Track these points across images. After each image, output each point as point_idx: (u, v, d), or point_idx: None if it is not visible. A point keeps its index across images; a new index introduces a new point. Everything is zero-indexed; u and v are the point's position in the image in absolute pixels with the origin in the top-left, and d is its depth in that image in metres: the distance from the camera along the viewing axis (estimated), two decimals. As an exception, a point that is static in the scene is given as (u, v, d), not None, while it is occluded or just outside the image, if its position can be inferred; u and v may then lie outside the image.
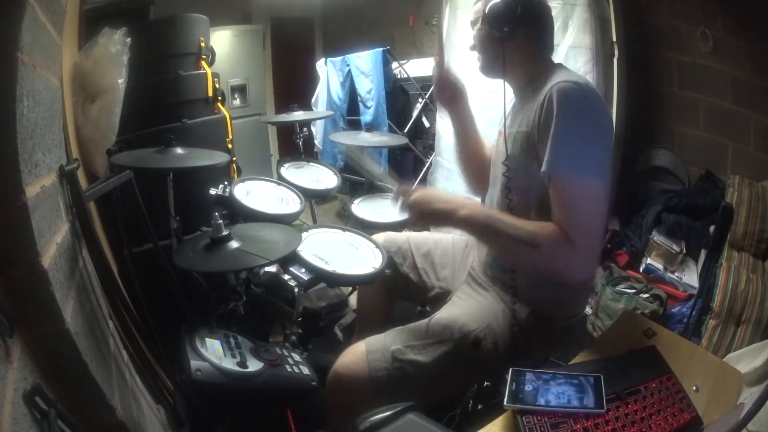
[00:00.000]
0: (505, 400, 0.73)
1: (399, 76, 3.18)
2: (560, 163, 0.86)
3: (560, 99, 0.86)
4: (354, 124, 3.31)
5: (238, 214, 1.39)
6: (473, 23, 1.06)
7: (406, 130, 3.05)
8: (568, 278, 0.89)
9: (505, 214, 0.95)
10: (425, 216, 0.98)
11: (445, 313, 1.06)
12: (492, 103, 2.34)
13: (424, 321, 1.04)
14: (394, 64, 3.10)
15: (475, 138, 1.25)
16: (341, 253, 1.24)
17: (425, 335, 1.00)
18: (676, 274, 2.09)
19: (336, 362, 0.99)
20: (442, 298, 1.21)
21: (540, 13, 1.01)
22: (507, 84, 1.05)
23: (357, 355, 0.98)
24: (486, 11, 0.98)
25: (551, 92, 0.87)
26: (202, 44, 1.94)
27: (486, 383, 1.21)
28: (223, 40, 3.18)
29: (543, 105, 0.89)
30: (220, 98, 1.97)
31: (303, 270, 1.14)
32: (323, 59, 3.44)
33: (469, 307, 1.06)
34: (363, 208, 1.67)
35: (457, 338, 0.98)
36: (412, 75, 3.08)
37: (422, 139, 3.21)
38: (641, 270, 2.15)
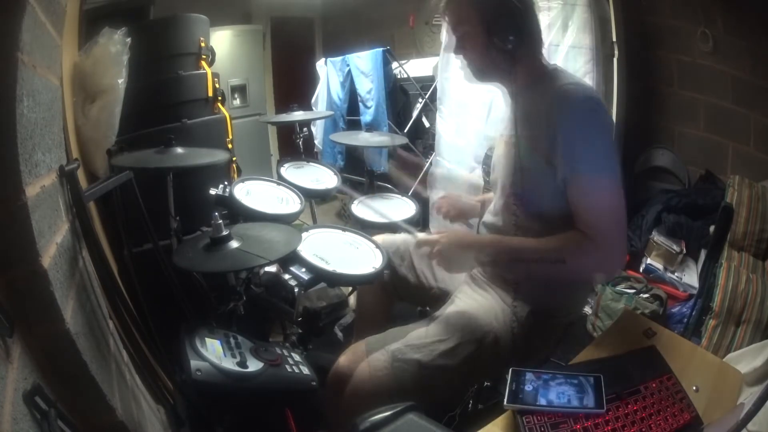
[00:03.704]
0: (505, 400, 0.73)
1: (399, 76, 3.17)
2: (577, 165, 0.87)
3: (566, 103, 0.88)
4: (354, 124, 3.31)
5: (238, 214, 1.39)
6: (455, 26, 0.99)
7: (406, 130, 3.05)
8: (603, 275, 0.94)
9: (528, 239, 0.96)
10: (455, 251, 1.00)
11: (444, 313, 1.06)
12: (491, 103, 2.34)
13: (424, 321, 1.05)
14: (394, 64, 3.10)
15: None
16: (341, 253, 1.24)
17: (425, 335, 1.00)
18: (676, 274, 2.09)
19: (336, 362, 0.99)
20: (441, 298, 1.21)
21: (528, 12, 0.96)
22: (500, 87, 1.05)
23: (357, 354, 0.98)
24: (482, 18, 0.93)
25: (555, 97, 0.89)
26: (202, 44, 1.94)
27: (486, 383, 1.21)
28: (223, 40, 3.18)
29: (548, 111, 0.89)
30: (220, 98, 1.97)
31: (303, 270, 1.13)
32: (323, 59, 3.44)
33: (468, 306, 1.06)
34: (363, 208, 1.66)
35: (457, 337, 0.98)
36: (412, 75, 3.08)
37: (422, 139, 3.20)
38: (641, 270, 2.15)
